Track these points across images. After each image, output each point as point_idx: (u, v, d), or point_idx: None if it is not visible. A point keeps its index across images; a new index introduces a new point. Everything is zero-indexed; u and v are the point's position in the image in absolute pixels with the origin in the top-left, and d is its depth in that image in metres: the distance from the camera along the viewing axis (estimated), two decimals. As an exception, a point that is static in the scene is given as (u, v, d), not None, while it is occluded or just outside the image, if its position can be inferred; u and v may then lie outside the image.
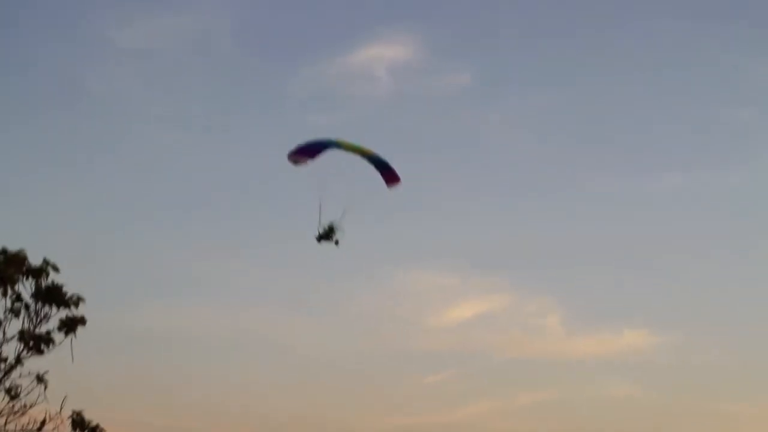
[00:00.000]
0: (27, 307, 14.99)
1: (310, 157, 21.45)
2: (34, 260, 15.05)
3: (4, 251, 14.76)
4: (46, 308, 15.06)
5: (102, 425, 15.15)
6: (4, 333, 14.83)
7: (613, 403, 61.47)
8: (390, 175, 22.49)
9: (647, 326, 66.51)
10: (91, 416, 15.04)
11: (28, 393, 14.76)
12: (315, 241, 21.99)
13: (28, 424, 14.67)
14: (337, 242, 22.32)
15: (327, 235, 22.18)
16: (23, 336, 14.79)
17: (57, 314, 15.09)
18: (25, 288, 14.99)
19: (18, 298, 14.96)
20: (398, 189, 22.62)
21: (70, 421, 14.84)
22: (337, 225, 21.72)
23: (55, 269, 15.01)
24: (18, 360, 14.79)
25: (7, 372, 14.76)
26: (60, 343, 15.06)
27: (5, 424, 14.57)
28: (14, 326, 14.86)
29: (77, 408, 14.98)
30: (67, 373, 15.73)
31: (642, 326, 66.73)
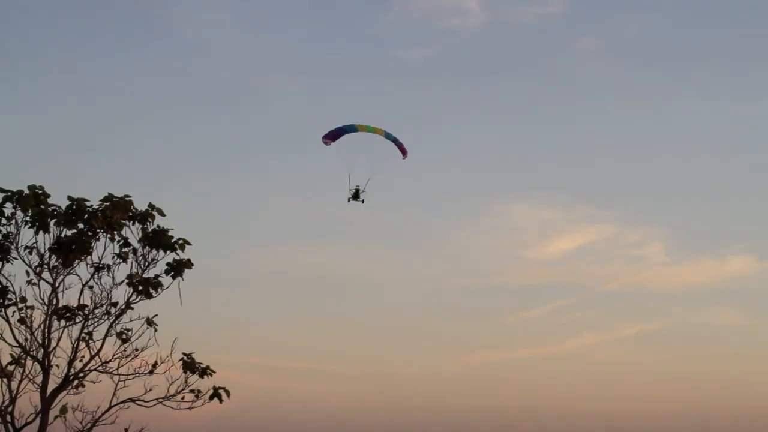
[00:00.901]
0: (135, 251, 15.02)
1: (333, 139, 26.95)
2: (140, 205, 15.00)
3: (110, 197, 14.75)
4: (153, 252, 15.05)
5: (211, 367, 15.14)
6: (113, 278, 14.95)
7: (720, 332, 59.77)
8: (401, 148, 27.85)
9: (752, 252, 64.14)
10: (201, 359, 15.06)
11: (139, 337, 14.89)
12: (347, 201, 27.94)
13: (139, 367, 14.82)
14: (363, 201, 28.53)
15: (355, 196, 28.06)
16: (132, 280, 14.83)
17: (164, 258, 15.09)
18: (132, 233, 15.00)
19: (126, 243, 14.99)
20: (409, 158, 27.97)
21: (180, 363, 14.91)
22: (362, 188, 27.83)
23: (161, 213, 14.95)
24: (128, 304, 14.88)
25: (118, 316, 14.88)
26: (168, 286, 15.06)
27: (118, 367, 14.75)
28: (123, 271, 14.90)
29: (187, 351, 14.99)
30: (176, 317, 15.83)
31: (746, 252, 64.38)
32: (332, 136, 26.94)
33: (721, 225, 67.92)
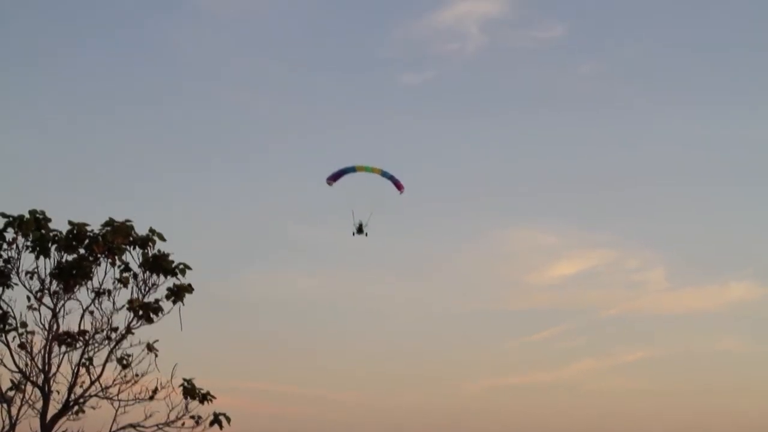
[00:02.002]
0: (135, 276, 15.01)
1: (334, 180, 29.63)
2: (140, 230, 15.02)
3: (111, 222, 14.77)
4: (154, 277, 15.05)
5: (212, 392, 15.09)
6: (114, 303, 14.93)
7: (722, 358, 59.45)
8: (397, 184, 30.28)
9: (755, 277, 63.96)
10: (201, 384, 15.02)
11: (139, 362, 14.85)
12: (352, 235, 30.60)
13: (140, 392, 14.76)
14: (366, 234, 30.89)
15: (359, 230, 30.18)
16: (132, 305, 14.81)
17: (164, 283, 15.08)
18: (133, 258, 15.00)
19: (126, 268, 14.99)
20: (406, 194, 30.77)
21: (181, 389, 14.86)
22: (365, 223, 30.41)
23: (162, 238, 14.96)
24: (128, 329, 14.86)
25: (119, 341, 14.85)
26: (168, 311, 15.04)
27: (118, 392, 14.69)
28: (123, 296, 14.89)
29: (187, 376, 14.94)
30: (177, 342, 15.80)
31: (749, 277, 64.20)
32: (334, 177, 30.08)
33: (723, 250, 67.79)
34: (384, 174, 30.69)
